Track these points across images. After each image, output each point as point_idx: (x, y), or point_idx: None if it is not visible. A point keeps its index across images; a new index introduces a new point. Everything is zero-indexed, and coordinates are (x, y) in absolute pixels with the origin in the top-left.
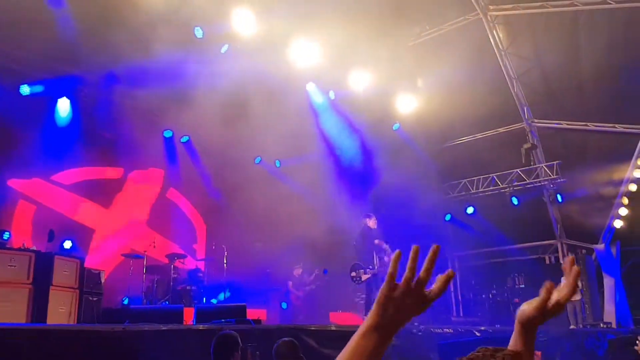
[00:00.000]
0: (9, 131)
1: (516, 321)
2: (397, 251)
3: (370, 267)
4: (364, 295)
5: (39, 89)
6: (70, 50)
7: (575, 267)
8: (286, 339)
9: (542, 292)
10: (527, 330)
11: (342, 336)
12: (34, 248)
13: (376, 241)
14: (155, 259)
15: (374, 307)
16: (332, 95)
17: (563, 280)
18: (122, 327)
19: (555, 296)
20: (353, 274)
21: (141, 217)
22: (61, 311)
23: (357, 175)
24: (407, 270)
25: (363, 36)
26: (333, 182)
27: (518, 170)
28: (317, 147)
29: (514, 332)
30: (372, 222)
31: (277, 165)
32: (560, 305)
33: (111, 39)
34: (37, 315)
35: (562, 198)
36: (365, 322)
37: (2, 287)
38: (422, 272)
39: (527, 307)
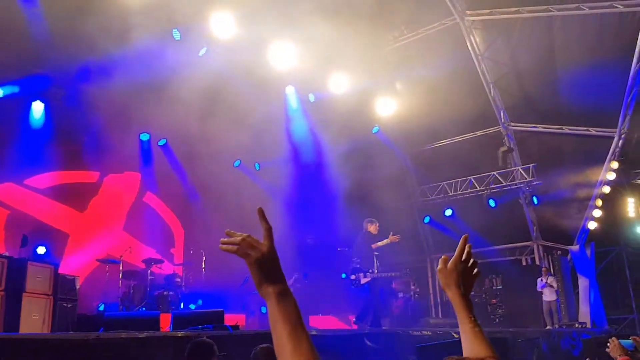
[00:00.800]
0: None
1: (444, 287)
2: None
3: (370, 270)
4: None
5: (10, 90)
6: (42, 49)
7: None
8: (264, 345)
9: (460, 242)
10: (457, 292)
11: (323, 341)
12: (7, 254)
13: (373, 246)
14: (132, 264)
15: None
16: (311, 98)
17: (539, 281)
18: (95, 335)
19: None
20: (353, 276)
21: (117, 222)
22: (35, 318)
23: (331, 178)
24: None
25: (342, 39)
26: (309, 185)
27: (495, 173)
28: (293, 150)
29: (455, 310)
30: (373, 228)
31: (257, 168)
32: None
33: (85, 36)
34: (10, 323)
35: (538, 200)
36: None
37: None
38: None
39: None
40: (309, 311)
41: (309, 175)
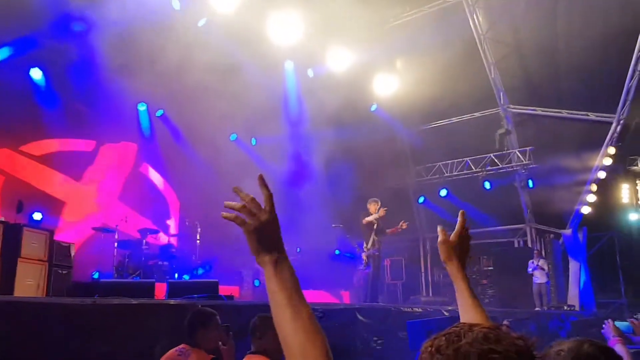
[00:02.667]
0: None
1: (445, 259)
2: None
3: (362, 248)
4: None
5: (5, 52)
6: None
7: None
8: (262, 315)
9: (459, 217)
10: (457, 264)
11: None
12: (2, 219)
13: (364, 220)
14: (127, 233)
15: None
16: (310, 73)
17: (530, 263)
18: (91, 301)
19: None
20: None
21: (113, 191)
22: (29, 283)
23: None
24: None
25: (343, 14)
26: (303, 162)
27: (492, 154)
28: (290, 126)
29: (452, 277)
30: (371, 207)
31: (253, 143)
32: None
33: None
34: (4, 287)
35: (533, 183)
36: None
37: None
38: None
39: (450, 239)
40: (301, 286)
41: (304, 152)
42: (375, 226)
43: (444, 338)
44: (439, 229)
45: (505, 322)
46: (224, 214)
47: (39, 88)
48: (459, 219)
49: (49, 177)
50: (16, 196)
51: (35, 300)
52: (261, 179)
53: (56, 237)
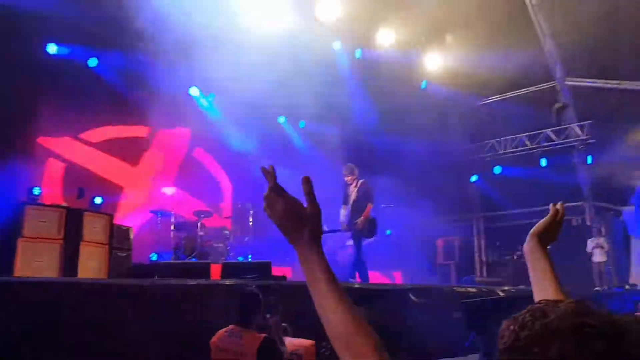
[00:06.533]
0: (37, 90)
1: (530, 237)
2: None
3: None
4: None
5: (65, 50)
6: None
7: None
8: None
9: (551, 209)
10: (541, 244)
11: (366, 294)
12: (65, 205)
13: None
14: (183, 216)
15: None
16: (358, 54)
17: (589, 242)
18: (150, 282)
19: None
20: None
21: (168, 176)
22: (91, 266)
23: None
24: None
25: None
26: (352, 145)
27: (548, 130)
28: (337, 109)
29: (531, 255)
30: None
31: (301, 126)
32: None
33: None
34: (69, 270)
35: (592, 159)
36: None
37: (34, 242)
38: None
39: (539, 224)
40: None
41: (353, 135)
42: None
43: (527, 314)
44: (553, 208)
45: None
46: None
47: (95, 76)
48: (559, 209)
49: (107, 163)
50: (77, 182)
51: (98, 281)
52: (264, 170)
53: (115, 221)
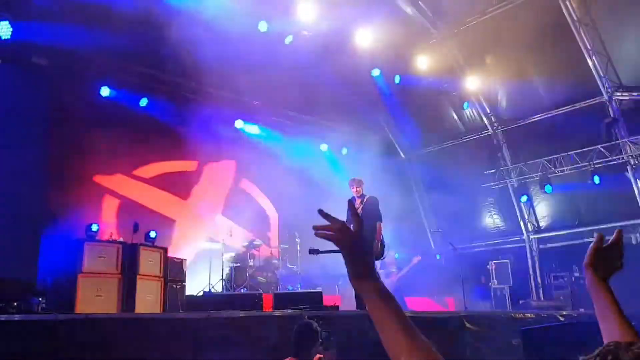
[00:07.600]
0: (92, 131)
1: (585, 269)
2: None
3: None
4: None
5: (114, 93)
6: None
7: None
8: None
9: (595, 236)
10: (599, 276)
11: (419, 323)
12: (121, 239)
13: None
14: (232, 247)
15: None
16: (397, 79)
17: None
18: (205, 315)
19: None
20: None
21: (217, 207)
22: (148, 299)
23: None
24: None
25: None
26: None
27: (599, 146)
28: (377, 134)
29: (591, 289)
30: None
31: (344, 153)
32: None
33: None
34: (127, 303)
35: None
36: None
37: (94, 277)
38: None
39: (588, 254)
40: (406, 292)
41: (392, 160)
42: None
43: (598, 359)
44: (596, 234)
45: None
46: (319, 232)
47: (146, 116)
48: (615, 236)
49: (159, 197)
50: (131, 217)
51: (155, 316)
52: (322, 213)
53: (169, 254)
